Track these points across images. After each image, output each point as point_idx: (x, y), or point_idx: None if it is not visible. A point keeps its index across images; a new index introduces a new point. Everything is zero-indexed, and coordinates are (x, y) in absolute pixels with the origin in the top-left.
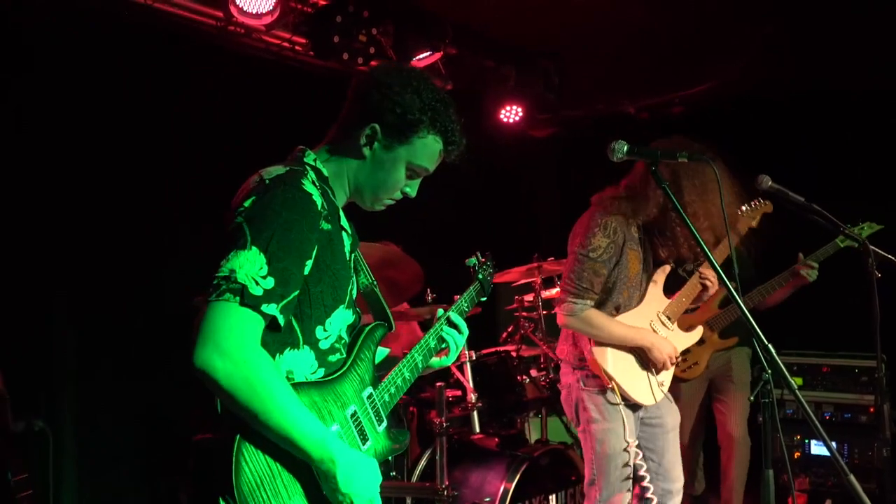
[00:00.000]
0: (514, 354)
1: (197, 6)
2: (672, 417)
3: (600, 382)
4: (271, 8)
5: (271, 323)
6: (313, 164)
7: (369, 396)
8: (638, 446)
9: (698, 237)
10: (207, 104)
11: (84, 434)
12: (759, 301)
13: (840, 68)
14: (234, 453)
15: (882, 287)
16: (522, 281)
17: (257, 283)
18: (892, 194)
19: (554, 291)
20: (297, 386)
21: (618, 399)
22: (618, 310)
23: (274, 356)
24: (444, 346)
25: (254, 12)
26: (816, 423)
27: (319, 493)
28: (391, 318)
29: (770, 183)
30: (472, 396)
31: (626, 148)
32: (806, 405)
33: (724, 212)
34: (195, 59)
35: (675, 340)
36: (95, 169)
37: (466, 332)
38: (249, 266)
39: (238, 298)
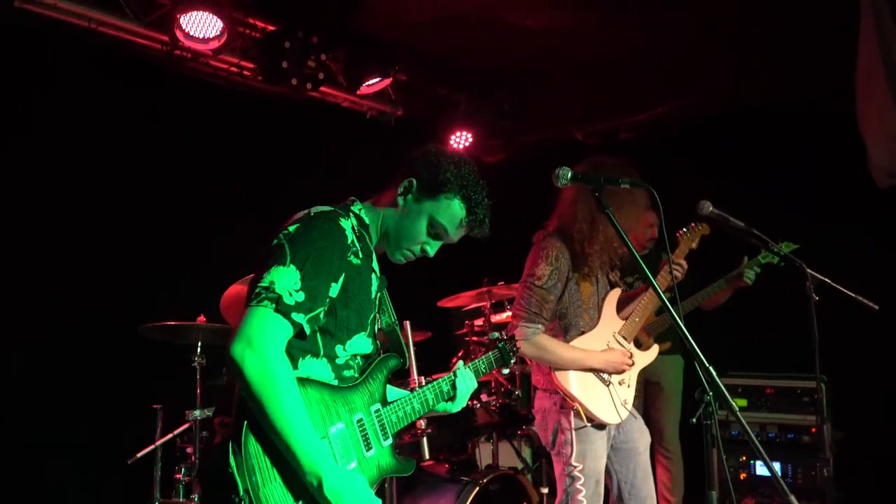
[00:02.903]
0: None
1: (142, 30)
2: (644, 441)
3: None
4: (218, 33)
5: (299, 332)
6: (358, 212)
7: (377, 411)
8: (608, 468)
9: (627, 242)
10: (159, 128)
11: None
12: (699, 304)
13: (782, 94)
14: (245, 426)
15: (820, 309)
16: (473, 305)
17: (291, 295)
18: (827, 214)
19: (504, 316)
20: (313, 382)
21: (584, 420)
22: (584, 334)
23: (297, 360)
24: (453, 393)
25: (200, 37)
26: (758, 444)
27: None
28: (407, 356)
29: (711, 208)
30: (422, 422)
31: (569, 174)
32: (747, 426)
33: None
34: (144, 82)
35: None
36: (42, 194)
37: (475, 385)
38: (287, 280)
39: (273, 305)
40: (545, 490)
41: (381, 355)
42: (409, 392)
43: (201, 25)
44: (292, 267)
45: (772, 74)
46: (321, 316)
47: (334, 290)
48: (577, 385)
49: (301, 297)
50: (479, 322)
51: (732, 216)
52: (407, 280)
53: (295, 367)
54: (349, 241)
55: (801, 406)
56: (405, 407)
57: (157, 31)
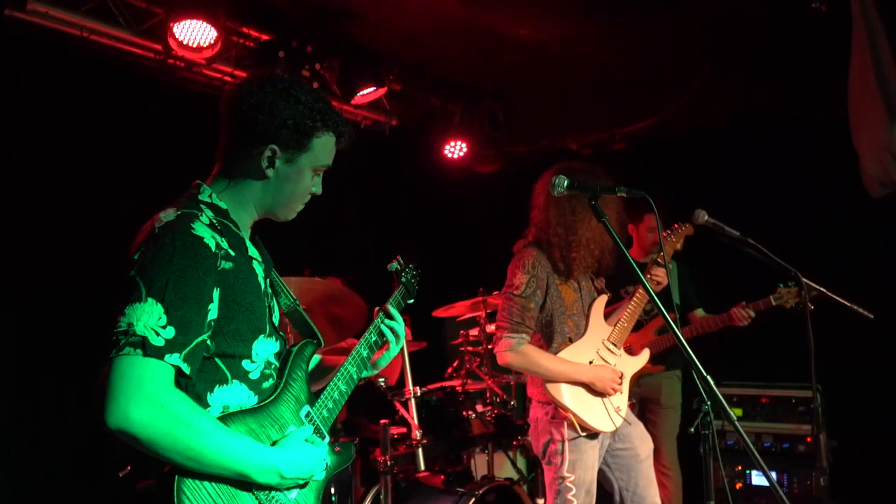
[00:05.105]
0: (459, 389)
1: (136, 39)
2: (645, 447)
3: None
4: (212, 42)
5: (178, 372)
6: (209, 200)
7: (307, 415)
8: (603, 474)
9: (618, 241)
10: (152, 137)
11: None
12: (690, 337)
13: (775, 103)
14: (175, 493)
15: (815, 318)
16: (468, 315)
17: (157, 334)
18: (821, 223)
19: None
20: (232, 415)
21: (578, 431)
22: (571, 340)
23: (204, 398)
24: (379, 346)
25: (194, 46)
26: (756, 454)
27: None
28: (318, 334)
29: (706, 217)
30: (417, 433)
31: (566, 182)
32: (745, 436)
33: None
34: (137, 91)
35: (623, 365)
36: (35, 205)
37: (402, 321)
38: (147, 317)
39: (140, 351)
40: (541, 501)
41: (294, 347)
42: (326, 366)
43: (195, 34)
44: (150, 300)
45: (763, 85)
46: (207, 343)
47: (213, 311)
48: (570, 396)
49: (171, 332)
50: (474, 332)
51: (727, 225)
52: None
53: (206, 405)
54: (213, 249)
55: (796, 415)
56: (332, 395)
57: (151, 39)
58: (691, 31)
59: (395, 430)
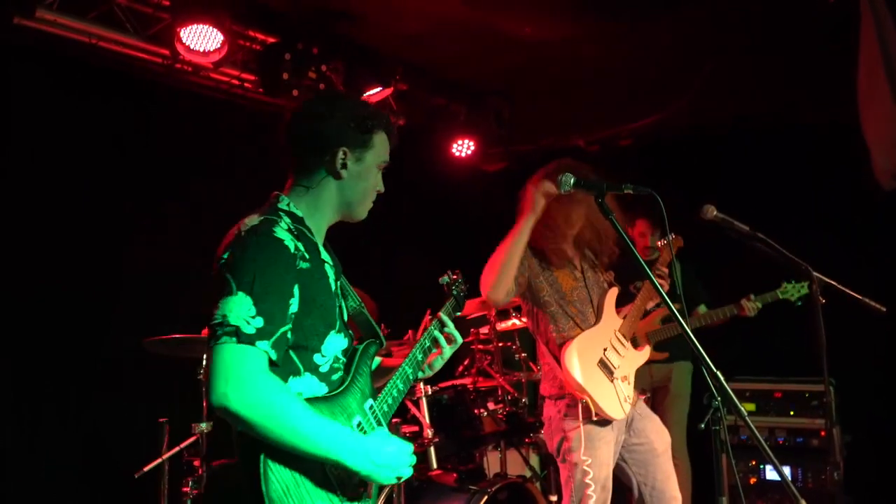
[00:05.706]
0: (470, 388)
1: (143, 44)
2: (662, 441)
3: (579, 412)
4: (218, 46)
5: (268, 360)
6: (287, 208)
7: (370, 407)
8: (621, 469)
9: (626, 238)
10: (159, 143)
11: (22, 474)
12: (700, 326)
13: (778, 102)
14: (262, 467)
15: (827, 312)
16: (477, 313)
17: (248, 323)
18: (832, 216)
19: (509, 323)
20: (308, 401)
21: (591, 415)
22: (578, 325)
23: None
24: (432, 351)
25: (200, 50)
26: (767, 449)
27: (337, 492)
28: (381, 335)
29: (715, 213)
30: (429, 432)
31: (572, 180)
32: (756, 431)
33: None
34: (146, 96)
35: (630, 359)
36: (37, 208)
37: (454, 328)
38: (239, 309)
39: (234, 339)
40: (554, 498)
41: (360, 345)
42: (386, 367)
43: (202, 38)
44: (241, 294)
45: (764, 85)
46: (288, 335)
47: (294, 305)
48: (584, 376)
49: (260, 322)
50: (484, 330)
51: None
52: (411, 290)
53: None
54: (292, 250)
55: (809, 410)
56: (392, 392)
57: (158, 45)
58: (692, 31)
59: (407, 429)
